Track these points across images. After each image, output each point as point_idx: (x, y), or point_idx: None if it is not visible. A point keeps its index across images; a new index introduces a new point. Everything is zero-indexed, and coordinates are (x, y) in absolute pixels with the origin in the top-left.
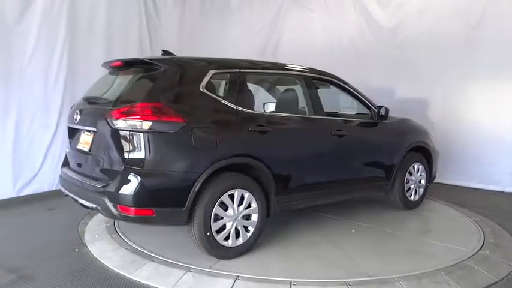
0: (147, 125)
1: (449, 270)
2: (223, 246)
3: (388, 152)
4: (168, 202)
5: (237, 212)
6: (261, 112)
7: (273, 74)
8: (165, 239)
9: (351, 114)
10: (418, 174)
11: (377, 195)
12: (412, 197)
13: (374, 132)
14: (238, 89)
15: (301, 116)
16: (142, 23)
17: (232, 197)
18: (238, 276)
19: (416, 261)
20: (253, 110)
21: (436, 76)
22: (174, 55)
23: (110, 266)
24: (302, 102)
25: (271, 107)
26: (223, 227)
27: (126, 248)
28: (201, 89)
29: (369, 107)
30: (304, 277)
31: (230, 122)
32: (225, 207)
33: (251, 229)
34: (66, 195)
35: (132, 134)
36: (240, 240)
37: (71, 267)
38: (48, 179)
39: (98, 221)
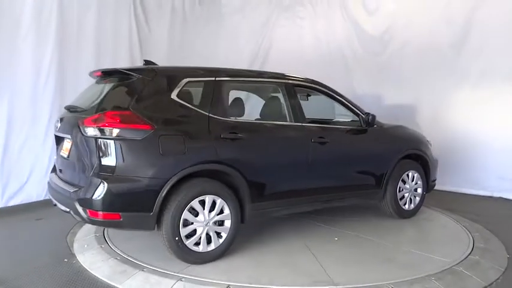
0: (115, 132)
1: (439, 276)
2: (193, 251)
3: (378, 160)
4: (135, 207)
5: (208, 217)
6: (236, 119)
7: (251, 82)
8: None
9: (341, 122)
10: (413, 182)
11: (371, 204)
12: (407, 206)
13: (361, 140)
14: (212, 97)
15: (278, 123)
16: (133, 31)
17: (203, 202)
18: (229, 285)
19: (391, 270)
20: (227, 117)
21: (424, 83)
22: (156, 65)
23: (99, 277)
24: (282, 110)
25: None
26: (194, 232)
27: (116, 258)
28: (172, 97)
29: (357, 114)
30: (268, 283)
31: (201, 130)
32: (195, 213)
33: (224, 235)
34: (55, 205)
35: (101, 141)
36: (212, 246)
37: (60, 278)
38: (37, 189)
39: (87, 231)
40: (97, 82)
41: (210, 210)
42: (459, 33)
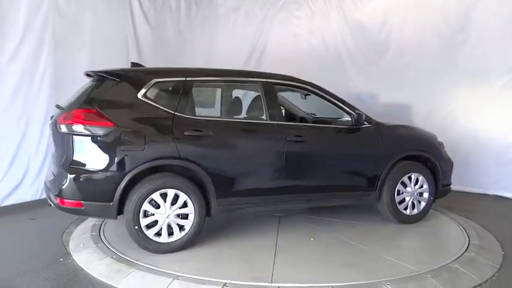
0: (79, 128)
1: (435, 273)
2: (153, 241)
3: (369, 160)
4: (96, 197)
5: (169, 210)
6: (203, 117)
7: (226, 81)
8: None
9: (329, 121)
10: (417, 186)
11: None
12: (408, 211)
13: (348, 139)
14: (180, 96)
15: (249, 121)
16: (129, 31)
17: (166, 196)
18: (226, 283)
19: (344, 274)
20: (195, 115)
21: (421, 81)
22: (143, 66)
23: (95, 276)
24: (257, 108)
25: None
26: (156, 223)
27: (112, 257)
28: (139, 97)
29: (347, 113)
30: (210, 276)
31: (163, 127)
32: (157, 205)
33: (187, 228)
34: (50, 205)
35: (69, 136)
36: (174, 238)
37: (55, 277)
38: (32, 189)
39: (83, 230)
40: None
41: (173, 204)
42: (457, 30)
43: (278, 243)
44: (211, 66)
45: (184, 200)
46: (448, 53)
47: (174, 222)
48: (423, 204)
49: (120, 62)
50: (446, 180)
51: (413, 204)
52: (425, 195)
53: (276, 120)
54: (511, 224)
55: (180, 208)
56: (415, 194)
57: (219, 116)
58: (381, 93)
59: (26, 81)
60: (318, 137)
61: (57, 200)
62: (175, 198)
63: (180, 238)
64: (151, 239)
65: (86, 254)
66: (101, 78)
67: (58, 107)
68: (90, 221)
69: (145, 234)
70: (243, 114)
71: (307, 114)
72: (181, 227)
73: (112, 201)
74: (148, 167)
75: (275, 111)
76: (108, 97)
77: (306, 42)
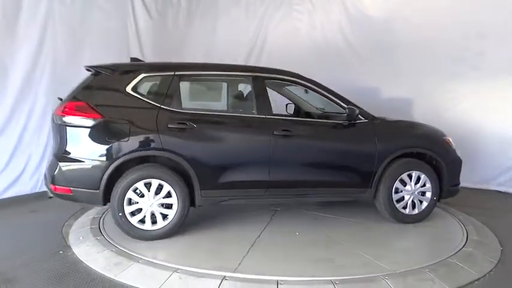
0: (69, 119)
1: (433, 268)
2: (137, 227)
3: (362, 157)
4: (84, 184)
5: (152, 199)
6: (188, 111)
7: (215, 75)
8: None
9: (323, 116)
10: (418, 185)
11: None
12: (407, 210)
13: (340, 134)
14: (167, 90)
15: (235, 114)
16: (131, 25)
17: (150, 185)
18: (225, 276)
19: (316, 269)
20: (181, 109)
21: (423, 75)
22: (142, 61)
23: (95, 268)
24: (246, 102)
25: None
26: (140, 211)
27: (112, 250)
28: (127, 91)
29: (341, 107)
30: (176, 263)
31: (148, 119)
32: (142, 194)
33: (170, 217)
34: (50, 197)
35: (62, 127)
36: (157, 226)
37: (55, 270)
38: (31, 181)
39: (83, 223)
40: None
41: (157, 193)
42: (459, 24)
43: (261, 236)
44: (212, 60)
45: (168, 190)
46: (452, 46)
47: (158, 211)
48: (425, 204)
49: (120, 55)
50: (453, 179)
51: (414, 203)
52: (428, 194)
53: (264, 114)
54: (510, 220)
55: (163, 198)
56: (416, 193)
57: (206, 109)
58: (383, 88)
59: (27, 75)
60: (308, 131)
61: (51, 187)
62: (160, 188)
63: (163, 227)
64: (135, 226)
65: (85, 247)
66: (95, 72)
67: (60, 99)
68: (90, 214)
69: (128, 221)
70: (231, 108)
71: (317, 108)
72: (165, 216)
73: (98, 188)
74: (133, 157)
75: (264, 105)
76: (100, 90)
77: (307, 37)
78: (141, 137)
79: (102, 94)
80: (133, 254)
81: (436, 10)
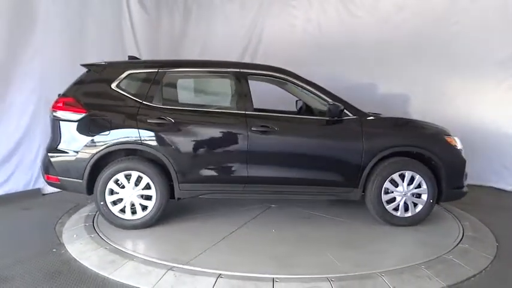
0: (58, 114)
1: (429, 265)
2: (118, 217)
3: (349, 154)
4: (69, 174)
5: (132, 190)
6: (169, 106)
7: (198, 72)
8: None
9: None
10: (412, 186)
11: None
12: (399, 212)
13: (324, 130)
14: (150, 86)
15: (212, 110)
16: (125, 21)
17: (130, 177)
18: (220, 274)
19: (272, 266)
20: (162, 104)
21: (420, 72)
22: (139, 59)
23: (89, 266)
24: (226, 98)
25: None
26: (122, 202)
27: (106, 248)
28: (112, 87)
29: (325, 103)
30: (133, 250)
31: (129, 115)
32: (123, 185)
33: (149, 208)
34: (43, 194)
35: (53, 121)
36: (136, 216)
37: (48, 268)
38: (24, 178)
39: (76, 221)
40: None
41: (137, 185)
42: (456, 20)
43: (236, 232)
44: (208, 56)
45: (147, 182)
46: (449, 43)
47: (138, 202)
48: (420, 206)
49: (115, 52)
50: (455, 181)
51: (407, 205)
52: (424, 196)
53: (244, 110)
54: (506, 216)
55: (143, 189)
56: (409, 194)
57: (187, 105)
58: (379, 84)
59: (17, 72)
60: (288, 128)
61: (44, 175)
62: (140, 180)
63: (142, 217)
64: (116, 215)
65: (79, 245)
66: (88, 69)
67: (59, 95)
68: (84, 212)
69: (110, 210)
70: (212, 104)
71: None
72: (145, 207)
73: (82, 178)
74: (113, 150)
75: (244, 101)
76: (89, 87)
77: (303, 32)
78: (122, 131)
79: (90, 90)
80: (128, 252)
81: (435, 5)
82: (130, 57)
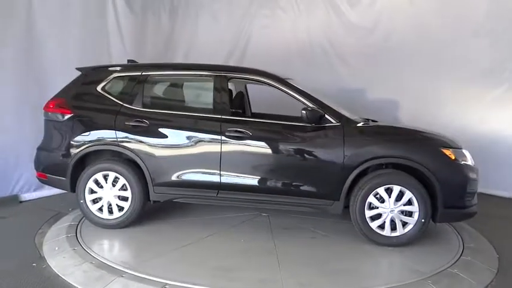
0: (49, 115)
1: (435, 279)
2: (96, 215)
3: (328, 164)
4: (55, 172)
5: (109, 190)
6: (147, 109)
7: (179, 75)
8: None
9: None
10: (400, 202)
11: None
12: (385, 231)
13: (302, 137)
14: (132, 89)
15: (187, 113)
16: (111, 22)
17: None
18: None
19: (215, 277)
20: (141, 107)
21: (408, 77)
22: (137, 63)
23: (73, 283)
24: (204, 102)
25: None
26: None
27: (91, 262)
28: (98, 90)
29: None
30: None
31: (108, 116)
32: (101, 185)
33: (125, 209)
34: (20, 202)
35: (45, 121)
36: (113, 216)
37: (28, 285)
38: (1, 185)
39: (58, 231)
40: None
41: (114, 185)
42: (447, 25)
43: (205, 238)
44: (194, 57)
45: (123, 183)
46: (439, 47)
47: (114, 202)
48: (410, 226)
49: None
50: (454, 200)
51: (394, 223)
52: (415, 216)
53: (220, 114)
54: (501, 225)
55: (119, 190)
56: (397, 211)
57: (165, 108)
58: (369, 90)
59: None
60: (264, 133)
61: (35, 172)
62: (117, 181)
63: (118, 217)
64: (94, 213)
65: (61, 259)
66: (80, 72)
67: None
68: (65, 221)
69: (89, 209)
70: (190, 107)
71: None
72: (121, 208)
73: (65, 176)
74: (92, 151)
75: (222, 105)
76: (78, 89)
77: (292, 36)
78: (100, 132)
79: (79, 93)
80: (116, 267)
81: (425, 9)
82: (129, 61)
